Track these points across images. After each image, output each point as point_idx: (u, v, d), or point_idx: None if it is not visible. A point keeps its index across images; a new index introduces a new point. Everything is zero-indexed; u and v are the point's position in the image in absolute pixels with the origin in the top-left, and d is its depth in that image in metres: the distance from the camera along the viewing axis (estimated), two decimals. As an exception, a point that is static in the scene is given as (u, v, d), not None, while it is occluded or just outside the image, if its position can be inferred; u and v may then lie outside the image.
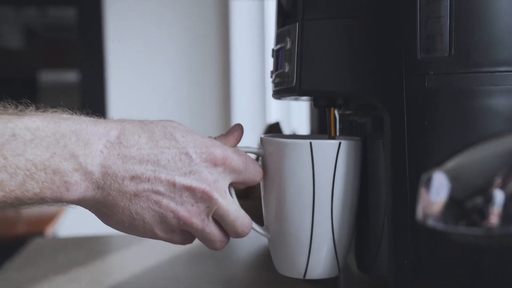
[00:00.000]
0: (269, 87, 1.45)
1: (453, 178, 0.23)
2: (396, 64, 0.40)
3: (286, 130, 1.30)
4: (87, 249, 0.73)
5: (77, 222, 1.38)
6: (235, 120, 1.53)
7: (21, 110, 0.38)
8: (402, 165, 0.39)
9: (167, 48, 1.72)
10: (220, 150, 0.41)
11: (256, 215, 0.46)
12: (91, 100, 1.80)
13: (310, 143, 0.41)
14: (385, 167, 0.40)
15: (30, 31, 2.10)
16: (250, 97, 1.51)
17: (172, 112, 1.68)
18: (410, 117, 0.39)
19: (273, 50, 0.48)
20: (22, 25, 2.08)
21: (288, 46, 0.43)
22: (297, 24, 0.42)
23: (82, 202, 0.38)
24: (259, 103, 1.49)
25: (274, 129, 0.73)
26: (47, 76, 2.08)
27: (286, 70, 0.43)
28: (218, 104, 1.69)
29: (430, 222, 0.23)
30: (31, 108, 0.38)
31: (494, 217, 0.22)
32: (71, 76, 1.96)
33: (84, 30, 1.85)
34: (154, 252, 0.68)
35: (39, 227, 1.37)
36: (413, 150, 0.39)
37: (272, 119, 1.43)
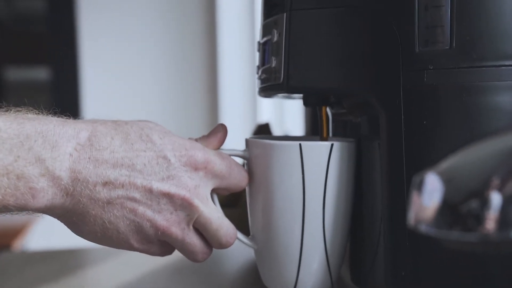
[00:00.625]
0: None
1: (447, 180, 0.23)
2: (393, 58, 0.40)
3: (278, 132, 1.31)
4: (57, 263, 0.73)
5: (47, 236, 1.38)
6: (223, 120, 1.53)
7: None
8: (399, 168, 0.39)
9: (147, 42, 1.72)
10: (201, 153, 0.41)
11: (244, 225, 0.47)
12: (63, 99, 1.80)
13: (300, 144, 0.42)
14: (381, 170, 0.41)
15: (-5, 23, 2.10)
16: (239, 95, 1.52)
17: (154, 113, 1.68)
18: (408, 116, 0.40)
19: (259, 43, 0.48)
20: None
21: (275, 38, 0.44)
22: (285, 14, 0.43)
23: (49, 210, 0.38)
24: (249, 102, 1.50)
25: (263, 131, 0.74)
26: (14, 73, 2.07)
27: (273, 65, 0.44)
28: (204, 103, 1.69)
29: (423, 228, 0.23)
30: (-8, 107, 0.38)
31: (490, 222, 0.22)
32: (40, 73, 1.95)
33: (55, 23, 1.85)
34: (131, 267, 0.68)
35: (5, 240, 1.37)
36: (411, 151, 0.39)
37: (263, 120, 1.43)
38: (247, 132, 1.40)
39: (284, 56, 0.43)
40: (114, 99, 1.74)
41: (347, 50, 0.42)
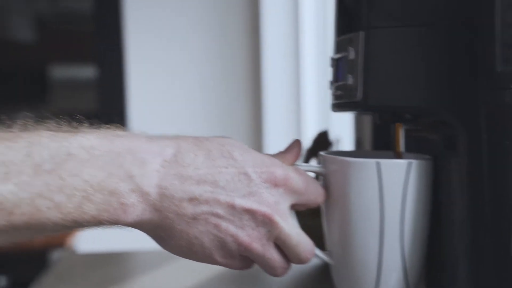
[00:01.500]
0: (304, 89, 1.46)
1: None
2: (472, 77, 0.41)
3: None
4: (119, 266, 0.75)
5: (98, 235, 1.42)
6: (266, 125, 1.54)
7: (75, 127, 0.40)
8: (480, 188, 0.40)
9: (192, 41, 1.74)
10: (280, 170, 0.42)
11: (311, 237, 0.48)
12: (109, 97, 1.84)
13: (378, 162, 0.43)
14: (461, 189, 0.41)
15: (41, 22, 2.15)
16: (283, 100, 1.52)
17: (197, 111, 1.70)
18: (489, 136, 0.40)
19: (332, 59, 0.49)
20: (33, 16, 2.13)
21: (351, 56, 0.45)
22: (362, 32, 0.44)
23: (138, 225, 0.40)
24: (293, 106, 1.50)
25: (322, 139, 0.75)
26: (59, 71, 2.12)
27: (349, 82, 0.45)
28: (247, 104, 1.70)
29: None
30: (85, 124, 0.41)
31: None
32: (86, 72, 2.00)
33: (101, 22, 1.89)
34: (192, 271, 0.70)
35: (58, 238, 1.41)
36: (493, 172, 0.40)
37: (307, 124, 1.43)
38: (291, 137, 1.41)
39: (362, 74, 0.43)
40: (160, 98, 1.77)
41: (427, 69, 0.42)
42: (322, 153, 0.47)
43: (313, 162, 0.70)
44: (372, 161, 0.43)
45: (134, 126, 1.74)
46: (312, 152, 0.74)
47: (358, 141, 1.06)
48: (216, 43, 1.72)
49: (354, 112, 0.48)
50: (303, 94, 1.46)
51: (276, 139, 1.52)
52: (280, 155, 0.46)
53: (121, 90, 1.85)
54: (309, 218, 0.54)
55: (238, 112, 1.68)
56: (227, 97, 1.71)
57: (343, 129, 1.19)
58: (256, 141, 1.58)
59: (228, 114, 1.69)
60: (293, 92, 1.50)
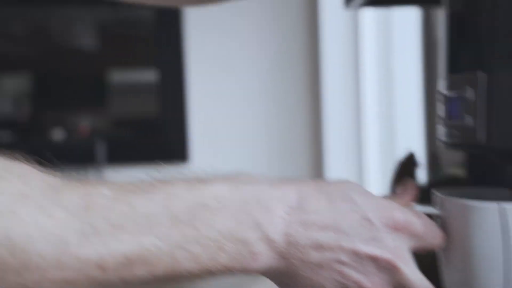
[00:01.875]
0: (364, 108, 1.43)
1: None
2: None
3: (390, 156, 1.29)
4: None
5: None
6: (326, 142, 1.52)
7: (205, 176, 0.41)
8: None
9: (252, 45, 1.75)
10: (400, 214, 0.42)
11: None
12: (169, 102, 1.87)
13: (503, 208, 0.42)
14: None
15: (103, 29, 2.20)
16: (343, 117, 1.50)
17: (257, 113, 1.71)
18: None
19: (444, 96, 0.48)
20: (95, 23, 2.18)
21: (470, 96, 0.44)
22: (483, 74, 0.43)
23: (266, 272, 0.40)
24: (353, 123, 1.48)
25: (409, 162, 0.74)
26: (121, 76, 2.17)
27: (467, 123, 0.44)
28: (306, 115, 1.69)
29: None
30: (212, 172, 0.41)
31: None
32: (147, 76, 2.03)
33: (162, 26, 1.92)
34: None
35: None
36: None
37: (369, 144, 1.41)
38: (352, 156, 1.40)
39: (484, 117, 0.43)
40: (219, 101, 1.79)
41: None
42: (438, 193, 0.46)
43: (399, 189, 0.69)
44: (494, 206, 0.42)
45: (194, 131, 1.77)
46: (400, 176, 0.73)
47: (433, 156, 1.04)
48: (276, 46, 1.72)
49: (474, 153, 0.47)
50: (364, 106, 1.44)
51: (337, 155, 1.50)
52: (397, 197, 0.45)
53: (181, 94, 1.87)
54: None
55: (297, 117, 1.68)
56: (286, 99, 1.71)
57: (408, 143, 1.18)
58: (316, 152, 1.58)
59: (288, 115, 1.69)
60: (353, 105, 1.49)
